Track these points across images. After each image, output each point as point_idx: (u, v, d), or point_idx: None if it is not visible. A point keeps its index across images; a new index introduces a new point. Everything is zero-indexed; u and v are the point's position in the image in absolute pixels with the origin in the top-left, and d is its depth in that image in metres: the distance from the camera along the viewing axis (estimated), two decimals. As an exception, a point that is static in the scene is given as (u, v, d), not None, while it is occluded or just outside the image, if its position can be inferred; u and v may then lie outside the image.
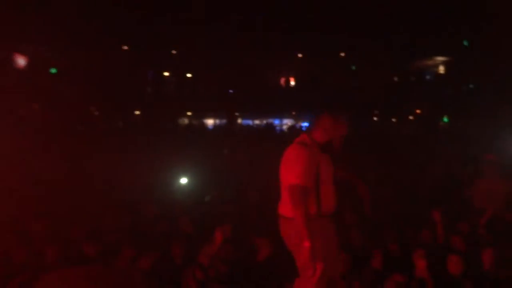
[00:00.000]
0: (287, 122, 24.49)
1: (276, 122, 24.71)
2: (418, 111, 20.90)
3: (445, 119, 21.31)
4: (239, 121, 24.29)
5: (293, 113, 24.14)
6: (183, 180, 7.21)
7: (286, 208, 2.92)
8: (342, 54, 22.93)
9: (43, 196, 5.52)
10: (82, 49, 16.73)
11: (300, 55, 23.71)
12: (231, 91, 23.16)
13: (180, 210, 5.32)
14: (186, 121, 21.87)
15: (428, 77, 24.31)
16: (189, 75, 23.50)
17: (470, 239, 4.63)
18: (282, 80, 24.36)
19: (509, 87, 15.68)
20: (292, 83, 24.52)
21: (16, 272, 3.54)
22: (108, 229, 4.54)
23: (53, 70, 18.19)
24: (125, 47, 20.17)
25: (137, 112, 20.49)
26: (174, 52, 22.27)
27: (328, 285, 2.91)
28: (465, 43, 20.97)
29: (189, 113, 22.30)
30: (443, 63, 23.81)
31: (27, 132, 9.70)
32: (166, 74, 23.74)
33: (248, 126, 22.49)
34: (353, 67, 23.27)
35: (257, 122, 24.10)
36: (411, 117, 22.29)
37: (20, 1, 14.67)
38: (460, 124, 16.36)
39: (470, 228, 4.85)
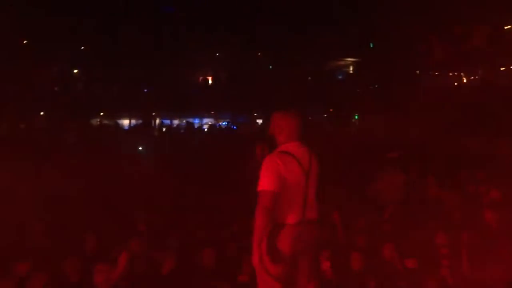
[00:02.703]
0: (208, 122, 24.24)
1: (196, 121, 24.33)
2: (331, 109, 21.91)
3: (356, 117, 22.56)
4: (157, 120, 23.53)
5: (212, 112, 23.98)
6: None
7: None
8: (259, 54, 23.26)
9: None
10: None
11: (218, 54, 23.59)
12: (146, 90, 22.30)
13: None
14: (98, 121, 20.56)
15: (340, 77, 25.62)
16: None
17: (371, 234, 4.85)
18: (200, 79, 24.06)
19: (407, 87, 17.06)
20: (210, 82, 24.35)
21: None
22: None
23: None
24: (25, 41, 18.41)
25: (42, 113, 18.76)
26: (83, 48, 20.85)
27: None
28: (371, 45, 22.43)
29: (101, 114, 21.01)
30: (353, 63, 25.28)
31: None
32: (75, 71, 22.13)
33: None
34: (270, 67, 23.73)
35: (176, 121, 23.53)
36: (325, 115, 23.25)
37: None
38: (367, 121, 17.40)
39: (370, 224, 5.09)
